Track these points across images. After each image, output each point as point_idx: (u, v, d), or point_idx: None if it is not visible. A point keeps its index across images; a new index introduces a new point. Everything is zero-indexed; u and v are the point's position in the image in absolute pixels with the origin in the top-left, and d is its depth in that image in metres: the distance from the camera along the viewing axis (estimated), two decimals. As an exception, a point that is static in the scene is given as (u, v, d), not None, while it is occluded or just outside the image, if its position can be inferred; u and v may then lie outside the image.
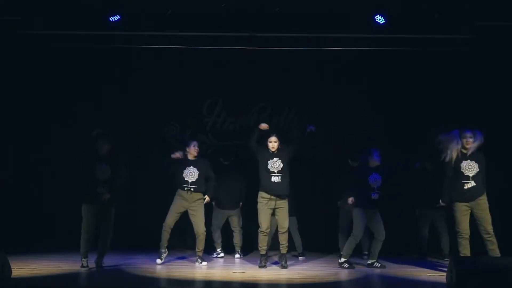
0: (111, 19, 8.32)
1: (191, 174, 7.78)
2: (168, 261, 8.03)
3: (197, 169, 7.80)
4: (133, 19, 8.37)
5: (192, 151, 7.88)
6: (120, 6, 8.27)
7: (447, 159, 6.92)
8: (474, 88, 9.28)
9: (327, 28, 8.54)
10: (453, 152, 6.90)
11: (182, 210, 7.81)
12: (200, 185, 7.82)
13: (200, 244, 7.81)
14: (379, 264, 7.65)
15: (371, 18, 8.30)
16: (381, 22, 8.31)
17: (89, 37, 8.92)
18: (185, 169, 7.79)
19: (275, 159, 7.52)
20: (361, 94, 9.51)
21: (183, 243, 9.19)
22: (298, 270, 7.48)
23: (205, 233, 7.83)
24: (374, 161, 7.65)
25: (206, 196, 7.90)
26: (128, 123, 9.53)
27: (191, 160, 7.86)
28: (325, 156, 9.58)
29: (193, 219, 7.80)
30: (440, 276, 6.79)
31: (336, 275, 7.17)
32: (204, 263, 7.78)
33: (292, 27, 8.55)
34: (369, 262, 7.72)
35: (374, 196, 7.52)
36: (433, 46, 9.01)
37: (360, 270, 7.54)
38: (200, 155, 8.01)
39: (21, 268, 6.96)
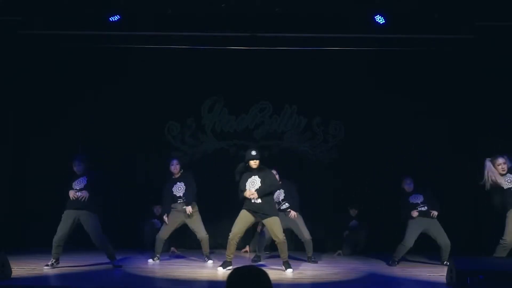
0: (111, 19, 8.32)
1: (179, 189, 7.96)
2: (168, 261, 8.05)
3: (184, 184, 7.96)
4: (133, 19, 8.37)
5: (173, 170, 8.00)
6: (120, 6, 8.27)
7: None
8: (474, 88, 9.27)
9: (327, 28, 8.55)
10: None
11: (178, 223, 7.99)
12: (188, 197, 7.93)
13: (205, 247, 7.98)
14: None
15: (371, 18, 8.30)
16: (381, 22, 8.31)
17: (89, 37, 8.92)
18: (172, 187, 7.96)
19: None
20: (361, 94, 9.51)
21: (182, 243, 9.19)
22: (299, 270, 7.48)
23: (207, 236, 7.96)
24: (408, 188, 8.04)
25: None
26: (128, 123, 9.52)
27: (176, 177, 8.01)
28: (328, 156, 9.60)
29: (192, 227, 7.98)
30: (440, 276, 6.79)
31: (336, 275, 7.16)
32: (210, 261, 7.92)
33: (292, 27, 8.55)
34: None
35: (421, 208, 7.87)
36: (433, 46, 9.01)
37: (361, 270, 7.54)
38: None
39: (21, 268, 6.96)
